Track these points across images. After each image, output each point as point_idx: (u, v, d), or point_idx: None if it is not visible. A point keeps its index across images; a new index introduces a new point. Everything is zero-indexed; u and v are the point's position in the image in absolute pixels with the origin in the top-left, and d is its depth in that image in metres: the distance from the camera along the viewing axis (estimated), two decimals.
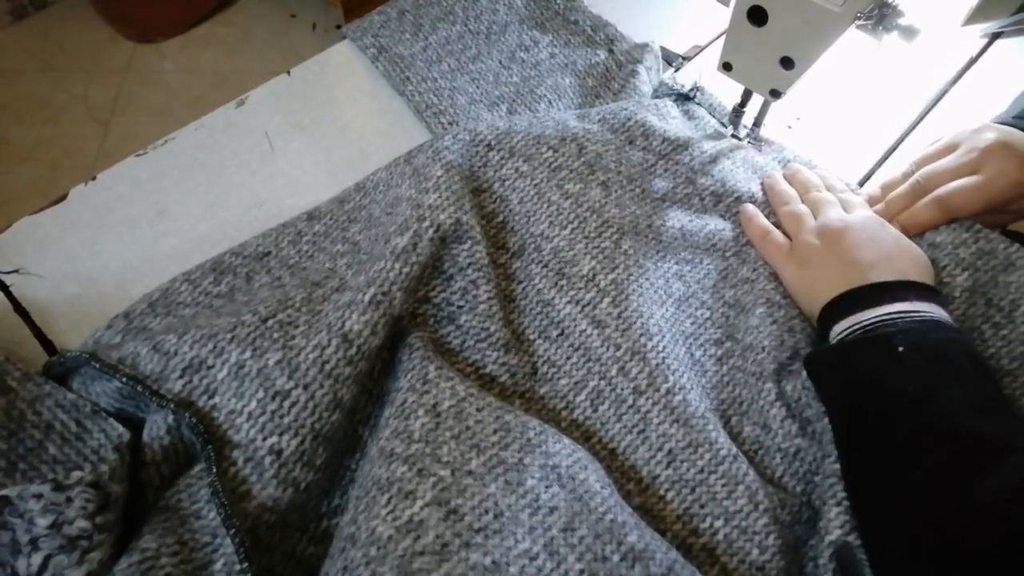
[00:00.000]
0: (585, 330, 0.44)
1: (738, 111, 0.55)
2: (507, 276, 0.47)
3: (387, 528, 0.31)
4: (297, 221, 0.50)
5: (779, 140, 0.57)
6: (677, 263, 0.48)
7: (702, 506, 0.39)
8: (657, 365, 0.42)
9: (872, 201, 0.51)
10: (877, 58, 0.60)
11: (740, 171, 0.54)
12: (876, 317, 0.40)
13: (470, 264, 0.44)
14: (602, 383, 0.42)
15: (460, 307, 0.44)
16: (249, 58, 1.73)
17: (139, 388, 0.38)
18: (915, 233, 0.47)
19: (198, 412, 0.37)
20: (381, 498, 0.33)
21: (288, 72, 0.62)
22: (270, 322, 0.40)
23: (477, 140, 0.49)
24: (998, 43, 0.63)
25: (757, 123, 0.56)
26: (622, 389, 0.42)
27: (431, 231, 0.42)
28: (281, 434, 0.36)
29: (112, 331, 0.44)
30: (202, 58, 1.73)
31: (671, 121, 0.56)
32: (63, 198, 0.53)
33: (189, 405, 0.38)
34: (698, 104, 0.59)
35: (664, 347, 0.44)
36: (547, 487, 0.35)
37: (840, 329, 0.42)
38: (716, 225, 0.51)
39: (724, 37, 0.50)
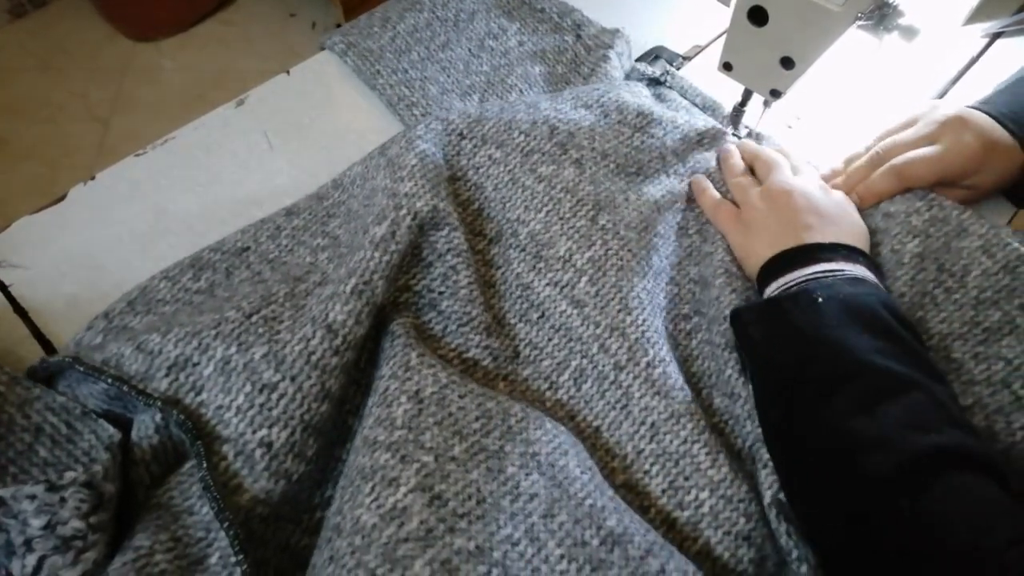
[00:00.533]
0: (565, 311, 0.44)
1: (738, 111, 0.55)
2: (486, 262, 0.47)
3: (371, 516, 0.31)
4: (276, 217, 0.51)
5: (775, 136, 0.57)
6: (655, 236, 0.49)
7: (687, 478, 0.39)
8: (636, 339, 0.43)
9: (835, 174, 0.51)
10: (877, 58, 0.60)
11: (707, 151, 0.55)
12: (804, 276, 0.42)
13: (449, 250, 0.44)
14: (584, 361, 0.43)
15: (441, 293, 0.45)
16: (248, 57, 1.72)
17: (125, 388, 0.38)
18: (872, 203, 0.48)
19: (185, 409, 0.38)
20: (365, 486, 0.33)
21: (287, 72, 0.62)
22: (254, 318, 0.40)
23: (449, 129, 0.50)
24: (999, 43, 0.63)
25: (741, 106, 0.55)
26: (604, 366, 0.42)
27: (408, 219, 0.43)
28: (271, 426, 0.37)
29: (93, 332, 0.44)
30: (201, 56, 1.72)
31: (644, 99, 0.57)
32: (62, 198, 0.53)
33: (176, 403, 0.38)
34: (669, 88, 0.60)
35: (644, 320, 0.44)
36: (527, 475, 0.36)
37: (772, 288, 0.43)
38: (683, 203, 0.52)
39: (724, 37, 0.50)
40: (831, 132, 0.58)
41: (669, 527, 0.38)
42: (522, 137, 0.50)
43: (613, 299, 0.44)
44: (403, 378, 0.37)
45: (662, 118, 0.54)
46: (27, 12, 1.78)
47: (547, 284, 0.45)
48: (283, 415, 0.37)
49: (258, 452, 0.36)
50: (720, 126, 0.56)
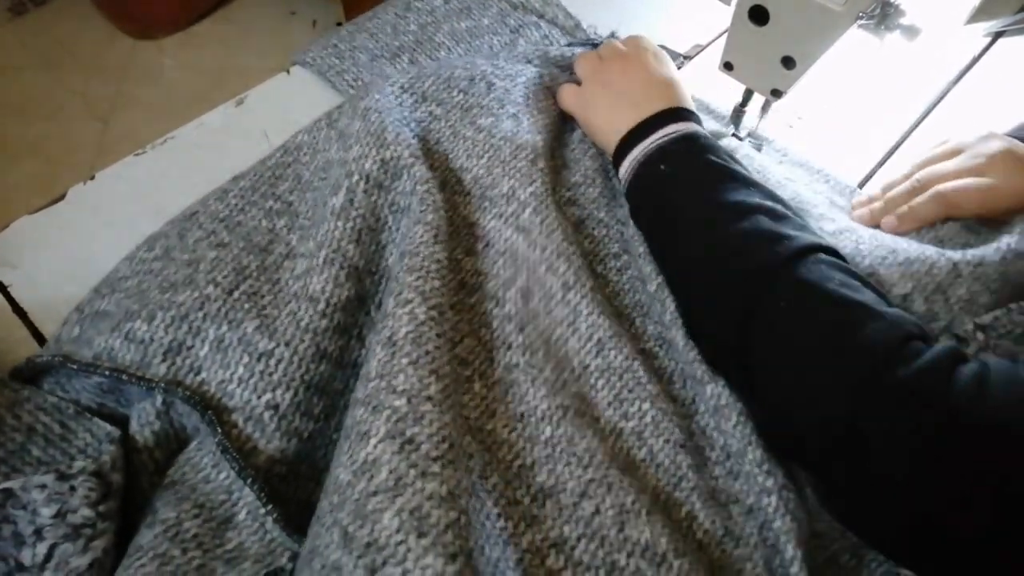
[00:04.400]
0: (510, 237, 0.45)
1: (739, 111, 0.55)
2: None
3: (346, 473, 0.32)
4: (223, 184, 0.52)
5: (777, 136, 0.57)
6: (569, 189, 0.51)
7: (630, 391, 0.41)
8: (581, 265, 0.44)
9: (871, 200, 0.51)
10: (879, 57, 0.60)
11: None
12: (644, 149, 0.47)
13: (416, 184, 0.45)
14: (531, 280, 0.44)
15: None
16: (249, 55, 1.72)
17: (124, 377, 0.38)
18: (912, 227, 0.47)
19: (188, 389, 0.39)
20: (344, 445, 0.33)
21: (287, 71, 0.62)
22: (235, 294, 0.42)
23: (393, 84, 0.52)
24: (1001, 42, 0.63)
25: (742, 106, 0.55)
26: (551, 285, 0.44)
27: (362, 183, 0.44)
28: (274, 389, 0.38)
29: (69, 325, 0.44)
30: (202, 55, 1.72)
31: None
32: (61, 198, 0.53)
33: (178, 384, 0.39)
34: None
35: (585, 251, 0.46)
36: (462, 435, 0.37)
37: (623, 171, 0.48)
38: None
39: (725, 36, 0.50)
40: (832, 132, 0.58)
41: (617, 436, 0.40)
42: (461, 96, 0.52)
43: (557, 229, 0.45)
44: (379, 329, 0.37)
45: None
46: (27, 10, 1.78)
47: (492, 218, 0.46)
48: (284, 378, 0.39)
49: (267, 415, 0.38)
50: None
